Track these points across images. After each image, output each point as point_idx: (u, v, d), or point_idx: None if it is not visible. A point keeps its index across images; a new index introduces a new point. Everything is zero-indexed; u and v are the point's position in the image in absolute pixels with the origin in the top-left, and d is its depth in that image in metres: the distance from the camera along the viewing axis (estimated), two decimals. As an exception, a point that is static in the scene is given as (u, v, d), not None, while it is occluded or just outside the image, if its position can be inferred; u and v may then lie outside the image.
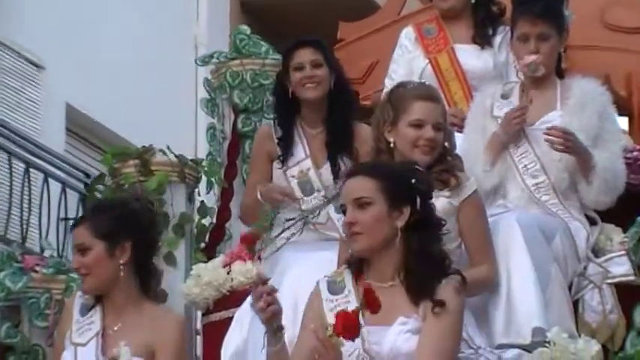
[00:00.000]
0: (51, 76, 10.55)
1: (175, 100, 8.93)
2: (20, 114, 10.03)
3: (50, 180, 8.64)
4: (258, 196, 5.11)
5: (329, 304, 3.67)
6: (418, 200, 3.63)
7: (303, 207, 4.97)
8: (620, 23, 5.92)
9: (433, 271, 3.58)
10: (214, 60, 6.08)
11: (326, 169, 5.02)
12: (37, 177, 8.67)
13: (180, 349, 4.05)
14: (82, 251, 4.00)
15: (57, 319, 4.47)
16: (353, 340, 3.35)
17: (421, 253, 3.61)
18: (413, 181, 3.69)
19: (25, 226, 8.56)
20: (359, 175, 3.78)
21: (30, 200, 8.43)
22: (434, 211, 3.79)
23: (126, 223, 4.13)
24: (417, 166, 3.91)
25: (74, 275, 4.57)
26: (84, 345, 3.98)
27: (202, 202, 5.63)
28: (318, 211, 4.55)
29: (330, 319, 3.51)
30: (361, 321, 3.36)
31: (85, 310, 4.05)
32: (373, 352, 3.56)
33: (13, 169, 8.48)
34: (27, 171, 8.46)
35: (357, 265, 3.72)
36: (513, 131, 4.75)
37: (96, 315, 4.03)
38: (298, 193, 5.04)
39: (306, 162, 5.04)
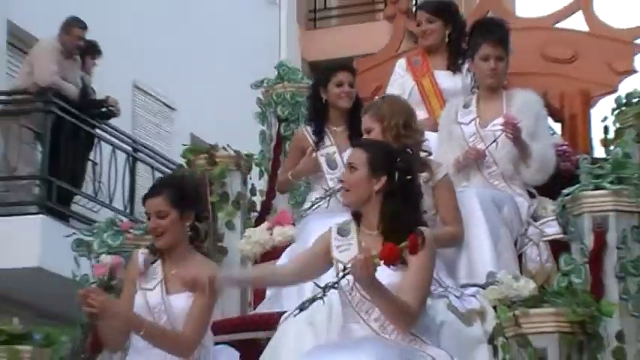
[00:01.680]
0: (180, 114, 10.57)
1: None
2: (157, 141, 10.06)
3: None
4: (289, 177, 5.15)
5: (336, 242, 3.60)
6: (397, 175, 3.50)
7: (328, 182, 4.93)
8: (555, 56, 5.82)
9: (402, 229, 3.41)
10: (264, 84, 5.96)
11: (345, 154, 4.91)
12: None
13: (214, 291, 3.85)
14: (161, 217, 3.86)
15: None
16: (388, 266, 3.27)
17: (393, 214, 3.48)
18: (398, 159, 3.59)
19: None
20: (357, 147, 3.76)
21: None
22: (414, 187, 3.65)
23: (192, 197, 4.04)
24: (408, 149, 3.83)
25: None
26: (152, 289, 3.87)
27: (253, 184, 5.55)
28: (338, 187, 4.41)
29: (336, 254, 3.57)
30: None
31: (148, 263, 3.94)
32: None
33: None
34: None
35: (356, 218, 3.61)
36: (469, 162, 4.74)
37: (157, 267, 3.92)
38: (325, 168, 5.02)
39: (332, 148, 5.03)
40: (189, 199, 3.97)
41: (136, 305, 3.87)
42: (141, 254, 3.99)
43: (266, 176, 5.75)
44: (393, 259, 3.27)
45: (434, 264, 3.59)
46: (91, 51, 9.26)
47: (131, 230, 4.62)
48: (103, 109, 9.36)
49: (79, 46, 8.91)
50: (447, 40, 5.47)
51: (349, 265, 3.31)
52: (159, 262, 3.94)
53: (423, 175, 4.24)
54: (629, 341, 3.78)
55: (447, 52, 5.46)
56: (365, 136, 4.35)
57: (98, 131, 9.45)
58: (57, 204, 8.69)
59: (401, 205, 3.51)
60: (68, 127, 8.86)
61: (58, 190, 8.72)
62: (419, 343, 3.43)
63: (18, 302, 8.37)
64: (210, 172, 5.24)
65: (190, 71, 11.02)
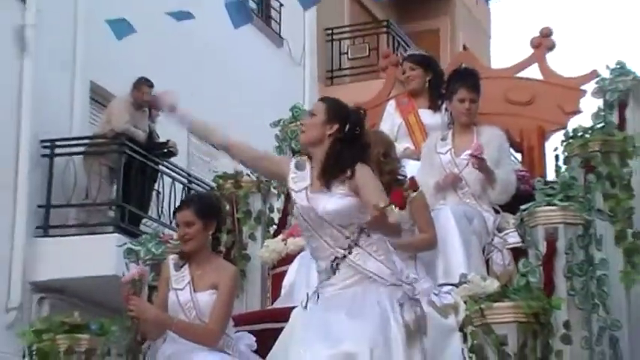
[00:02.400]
0: (223, 153, 10.31)
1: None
2: (207, 174, 9.85)
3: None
4: None
5: (292, 174, 3.41)
6: (347, 126, 3.33)
7: None
8: (516, 99, 5.68)
9: (336, 169, 3.31)
10: (281, 123, 5.85)
11: None
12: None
13: (231, 286, 3.82)
14: (189, 226, 3.78)
15: None
16: (401, 209, 3.13)
17: (335, 155, 3.32)
18: (350, 116, 3.41)
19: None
20: (320, 100, 3.67)
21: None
22: (361, 140, 3.45)
23: (214, 210, 3.98)
24: (361, 111, 3.63)
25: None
26: (182, 289, 3.78)
27: (271, 204, 5.47)
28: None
29: (291, 184, 3.42)
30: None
31: (178, 267, 3.85)
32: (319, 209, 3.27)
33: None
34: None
35: (310, 157, 3.43)
36: (447, 184, 4.67)
37: (185, 269, 3.83)
38: None
39: None
40: (212, 213, 3.90)
41: (170, 302, 3.79)
42: (171, 260, 3.91)
43: (282, 197, 5.54)
44: (402, 203, 3.23)
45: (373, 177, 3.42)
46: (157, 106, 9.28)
47: (170, 240, 4.49)
48: (165, 150, 9.46)
49: (147, 101, 8.91)
50: (427, 85, 5.35)
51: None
52: (186, 265, 3.84)
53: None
54: (574, 329, 3.67)
55: (428, 95, 5.33)
56: None
57: (161, 167, 9.52)
58: (129, 225, 8.77)
59: (344, 149, 3.34)
60: (137, 165, 8.97)
61: (129, 214, 8.85)
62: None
63: (97, 303, 8.31)
64: (237, 194, 5.16)
65: (230, 119, 10.82)
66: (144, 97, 8.89)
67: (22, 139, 8.56)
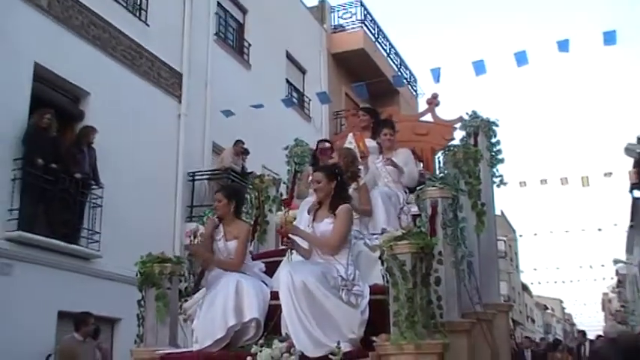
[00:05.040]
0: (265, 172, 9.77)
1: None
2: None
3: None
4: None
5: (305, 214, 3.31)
6: (338, 181, 3.21)
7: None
8: (419, 132, 5.38)
9: (337, 204, 3.12)
10: (289, 147, 5.45)
11: None
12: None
13: (245, 236, 3.49)
14: (219, 201, 3.52)
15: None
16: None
17: (336, 198, 3.16)
18: (338, 177, 3.23)
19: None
20: (317, 170, 3.41)
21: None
22: (346, 189, 3.31)
23: (236, 193, 3.66)
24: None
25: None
26: (219, 240, 3.49)
27: (281, 192, 5.04)
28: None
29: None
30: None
31: (216, 226, 3.54)
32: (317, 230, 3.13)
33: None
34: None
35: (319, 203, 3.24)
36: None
37: (220, 228, 3.53)
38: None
39: None
40: (232, 195, 3.59)
41: (215, 248, 3.49)
42: (212, 219, 3.62)
43: (288, 189, 5.24)
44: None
45: (350, 222, 3.22)
46: (246, 151, 9.21)
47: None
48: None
49: (242, 149, 8.92)
50: (372, 125, 5.02)
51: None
52: (220, 225, 3.54)
53: (354, 184, 3.90)
54: (446, 256, 3.40)
55: (371, 130, 4.99)
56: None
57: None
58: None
59: (340, 193, 3.21)
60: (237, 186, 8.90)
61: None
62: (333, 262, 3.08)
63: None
64: (261, 186, 4.85)
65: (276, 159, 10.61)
66: (239, 150, 8.86)
67: (178, 172, 8.46)
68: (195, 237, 3.54)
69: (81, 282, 6.38)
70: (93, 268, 6.63)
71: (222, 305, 3.07)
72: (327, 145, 4.80)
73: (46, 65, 6.34)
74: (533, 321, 36.60)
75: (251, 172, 8.80)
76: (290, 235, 3.16)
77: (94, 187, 6.67)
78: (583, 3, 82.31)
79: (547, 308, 41.23)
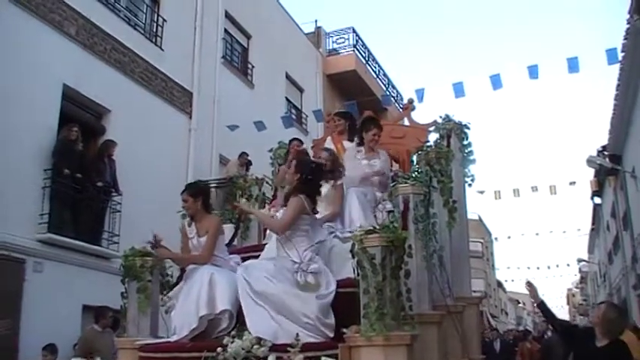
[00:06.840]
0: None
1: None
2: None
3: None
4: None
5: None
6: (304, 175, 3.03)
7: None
8: (396, 135, 5.16)
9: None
10: (273, 149, 5.29)
11: None
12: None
13: (214, 229, 3.25)
14: (185, 201, 3.31)
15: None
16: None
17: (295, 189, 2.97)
18: (310, 170, 3.05)
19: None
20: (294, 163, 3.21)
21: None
22: (311, 183, 3.07)
23: (200, 190, 3.40)
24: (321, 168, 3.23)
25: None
26: (192, 237, 3.29)
27: (264, 192, 4.91)
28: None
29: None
30: None
31: (189, 224, 3.33)
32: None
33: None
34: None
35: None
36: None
37: (193, 225, 3.31)
38: None
39: None
40: (198, 192, 3.36)
41: (191, 245, 3.28)
42: (186, 222, 3.40)
43: (272, 189, 5.06)
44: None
45: (299, 210, 2.95)
46: (250, 164, 8.58)
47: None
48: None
49: (246, 160, 8.42)
50: (347, 127, 4.79)
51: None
52: (193, 222, 3.33)
53: (332, 181, 3.69)
54: (416, 250, 3.23)
55: (348, 133, 4.77)
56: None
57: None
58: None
59: (301, 187, 3.00)
60: (200, 183, 8.36)
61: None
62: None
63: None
64: (246, 185, 4.76)
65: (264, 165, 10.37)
66: (244, 161, 8.36)
67: (188, 181, 7.82)
68: (157, 242, 3.21)
69: (102, 279, 6.32)
70: (112, 267, 6.54)
71: (196, 296, 2.89)
72: (296, 142, 4.65)
73: (73, 86, 6.53)
74: (507, 314, 36.80)
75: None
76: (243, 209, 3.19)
77: (114, 194, 6.76)
78: (556, 28, 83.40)
79: (519, 303, 41.38)
